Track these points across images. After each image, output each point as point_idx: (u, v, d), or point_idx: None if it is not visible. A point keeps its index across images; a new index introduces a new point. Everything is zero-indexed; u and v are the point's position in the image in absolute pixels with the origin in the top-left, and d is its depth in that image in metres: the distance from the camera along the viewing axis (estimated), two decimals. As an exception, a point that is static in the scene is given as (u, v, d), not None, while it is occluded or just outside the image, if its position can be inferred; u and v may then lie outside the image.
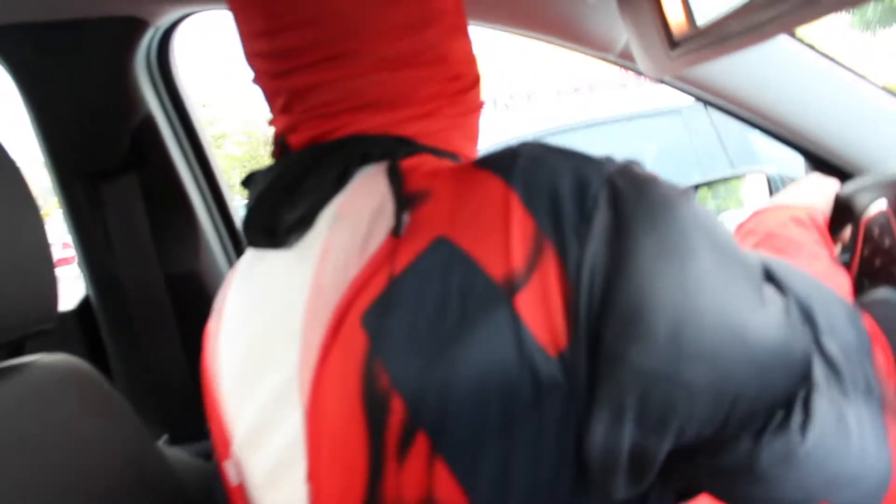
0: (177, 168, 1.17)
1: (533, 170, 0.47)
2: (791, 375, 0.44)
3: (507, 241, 0.45)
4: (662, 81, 1.19)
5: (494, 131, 2.98)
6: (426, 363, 0.44)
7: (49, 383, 0.64)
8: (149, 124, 1.15)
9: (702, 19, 0.61)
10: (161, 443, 1.13)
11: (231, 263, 1.22)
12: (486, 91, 0.63)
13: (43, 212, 0.66)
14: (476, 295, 0.44)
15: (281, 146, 0.57)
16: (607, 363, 0.43)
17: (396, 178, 0.51)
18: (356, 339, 0.47)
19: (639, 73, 1.12)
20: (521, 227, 0.45)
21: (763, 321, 0.44)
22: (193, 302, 1.15)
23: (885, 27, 14.26)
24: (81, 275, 1.21)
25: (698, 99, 1.19)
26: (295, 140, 0.56)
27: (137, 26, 1.09)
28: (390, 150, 0.53)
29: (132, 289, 1.14)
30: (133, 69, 1.12)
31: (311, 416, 0.49)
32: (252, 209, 0.56)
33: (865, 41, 14.50)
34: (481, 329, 0.44)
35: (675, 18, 0.65)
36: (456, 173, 0.50)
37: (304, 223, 0.53)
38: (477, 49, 0.61)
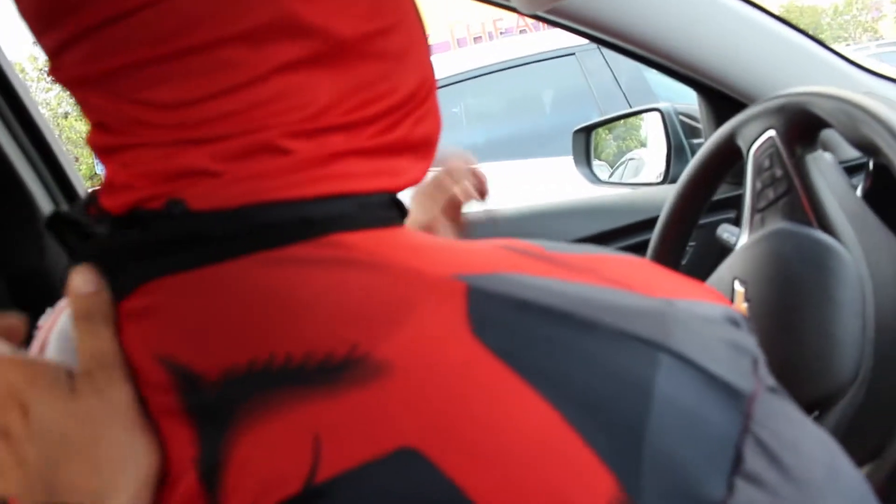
0: (4, 151, 1.03)
1: (605, 394, 0.29)
2: None
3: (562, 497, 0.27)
4: (541, 18, 1.11)
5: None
6: None
7: None
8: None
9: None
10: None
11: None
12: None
13: None
14: None
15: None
16: None
17: None
18: None
19: (513, 10, 1.04)
20: (588, 486, 0.27)
21: None
22: (43, 303, 1.02)
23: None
24: None
25: (588, 37, 1.12)
26: (111, 202, 0.34)
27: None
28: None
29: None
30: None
31: None
32: None
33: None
34: None
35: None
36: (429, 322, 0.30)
37: None
38: None
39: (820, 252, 0.65)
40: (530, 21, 4.21)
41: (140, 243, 0.33)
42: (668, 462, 0.28)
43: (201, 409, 0.31)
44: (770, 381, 0.32)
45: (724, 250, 0.83)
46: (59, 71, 0.34)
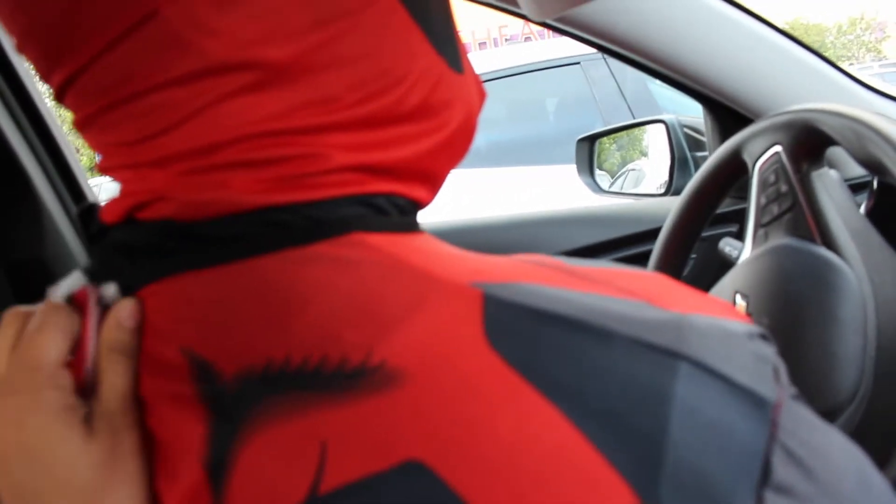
0: (7, 137, 1.02)
1: (623, 405, 0.28)
2: None
3: None
4: (549, 26, 1.11)
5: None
6: None
7: None
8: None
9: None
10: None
11: (84, 245, 1.09)
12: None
13: None
14: None
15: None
16: None
17: None
18: None
19: (521, 16, 1.04)
20: (604, 501, 0.27)
21: None
22: (41, 291, 1.02)
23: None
24: None
25: (596, 47, 1.12)
26: (109, 214, 0.35)
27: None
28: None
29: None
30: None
31: None
32: None
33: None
34: None
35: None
36: (446, 346, 0.29)
37: None
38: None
39: (822, 268, 0.65)
40: (535, 29, 4.22)
41: (159, 239, 0.33)
42: (691, 474, 0.27)
43: (216, 402, 0.30)
44: (792, 389, 0.31)
45: (725, 264, 0.83)
46: None
